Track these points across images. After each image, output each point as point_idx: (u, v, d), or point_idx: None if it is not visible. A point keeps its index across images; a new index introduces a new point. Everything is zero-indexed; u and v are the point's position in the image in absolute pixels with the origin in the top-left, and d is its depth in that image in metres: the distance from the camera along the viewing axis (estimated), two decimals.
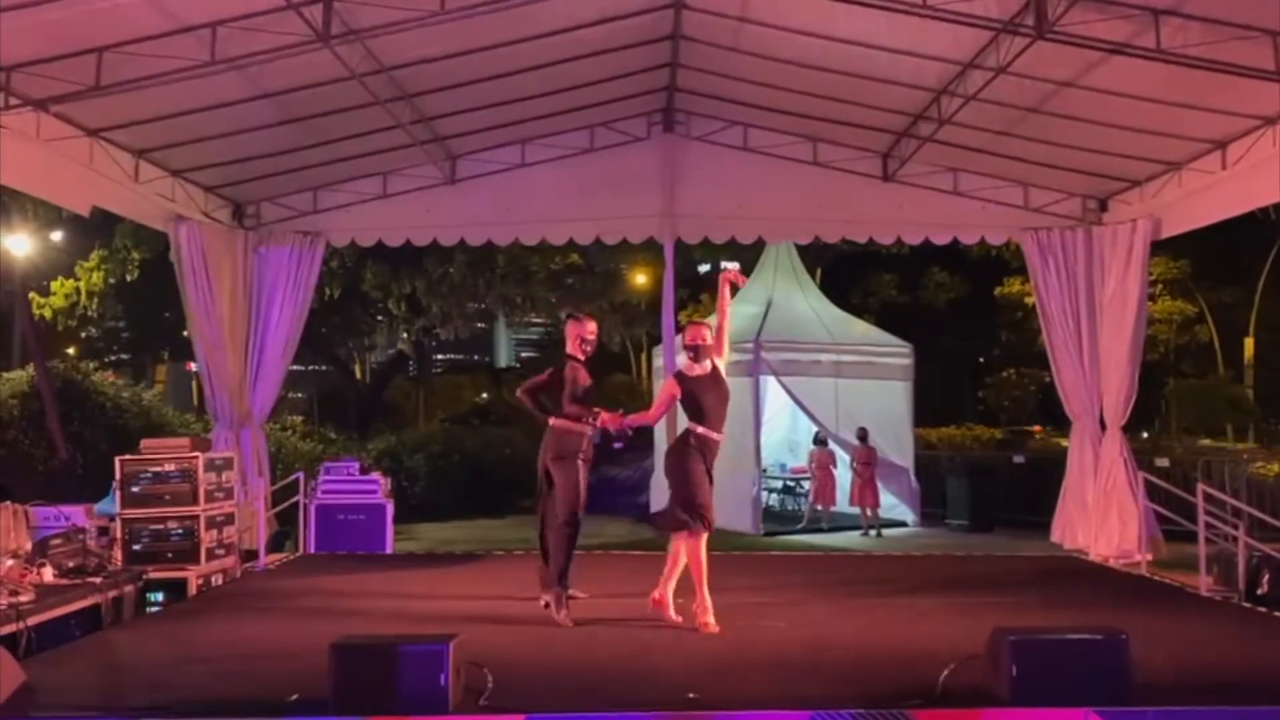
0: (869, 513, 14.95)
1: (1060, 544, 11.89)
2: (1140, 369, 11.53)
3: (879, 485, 15.17)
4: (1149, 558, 10.39)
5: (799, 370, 15.55)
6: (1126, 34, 7.72)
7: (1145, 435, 23.44)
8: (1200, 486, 9.38)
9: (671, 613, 7.16)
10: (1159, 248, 12.63)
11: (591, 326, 7.85)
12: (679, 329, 13.57)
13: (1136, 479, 10.92)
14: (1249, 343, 30.74)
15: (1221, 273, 29.18)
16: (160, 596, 8.52)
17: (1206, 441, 23.98)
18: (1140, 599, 8.70)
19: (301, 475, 11.63)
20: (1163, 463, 13.37)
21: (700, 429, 7.09)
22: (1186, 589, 9.12)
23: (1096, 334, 11.72)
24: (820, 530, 15.18)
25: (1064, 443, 14.86)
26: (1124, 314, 11.43)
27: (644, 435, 18.72)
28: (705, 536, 7.05)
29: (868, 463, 15.01)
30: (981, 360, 36.34)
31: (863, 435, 15.12)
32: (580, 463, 7.59)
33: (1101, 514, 11.31)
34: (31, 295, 16.78)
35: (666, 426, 8.83)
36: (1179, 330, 29.24)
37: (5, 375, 15.29)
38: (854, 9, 8.08)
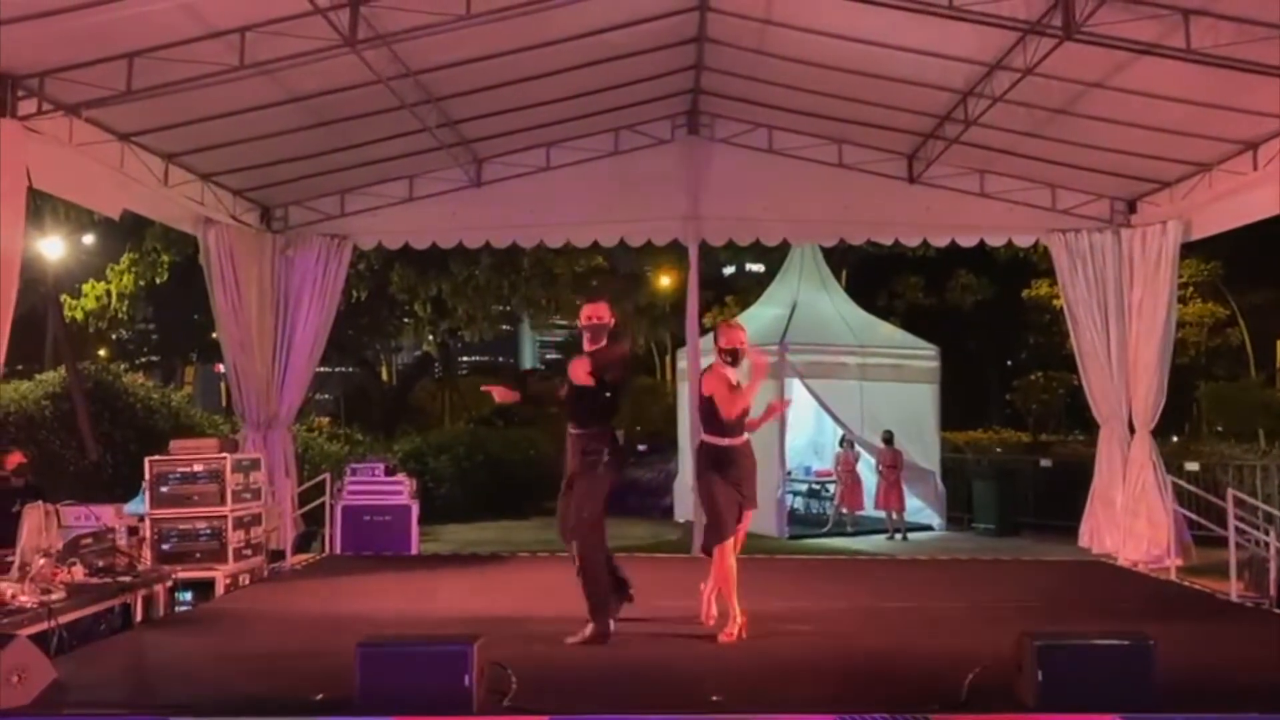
0: (894, 516, 14.86)
1: (1088, 548, 11.79)
2: (1170, 372, 11.42)
3: (905, 488, 15.08)
4: (1179, 563, 10.29)
5: (824, 373, 15.47)
6: (1155, 34, 7.65)
7: (1176, 439, 23.16)
8: (1230, 491, 9.28)
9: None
10: (1189, 249, 12.52)
11: (585, 310, 7.17)
12: (704, 331, 13.58)
13: (1165, 483, 10.82)
14: None
15: (1254, 275, 28.72)
16: (188, 596, 8.61)
17: None
18: (1169, 604, 8.62)
19: (328, 476, 11.71)
20: (1192, 466, 13.23)
21: (724, 441, 7.04)
22: (1216, 594, 9.02)
23: (1125, 337, 11.61)
24: (845, 534, 15.09)
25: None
26: (1153, 317, 11.34)
27: (668, 438, 18.77)
28: (728, 546, 7.04)
29: (893, 466, 14.92)
30: (1009, 363, 36.03)
31: (888, 438, 15.03)
32: None
33: (1130, 518, 11.21)
34: (63, 297, 16.97)
35: (690, 429, 8.79)
36: (1210, 333, 28.83)
37: (37, 376, 15.47)
38: (880, 10, 8.04)
